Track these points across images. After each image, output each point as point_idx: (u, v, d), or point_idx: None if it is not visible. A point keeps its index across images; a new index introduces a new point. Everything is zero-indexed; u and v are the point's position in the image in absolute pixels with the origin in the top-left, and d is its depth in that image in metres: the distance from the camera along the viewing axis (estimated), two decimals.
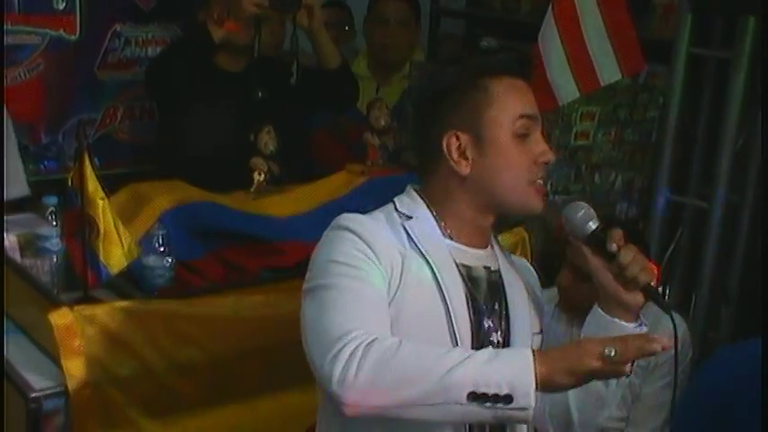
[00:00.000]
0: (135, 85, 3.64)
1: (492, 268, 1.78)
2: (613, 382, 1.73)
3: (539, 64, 3.01)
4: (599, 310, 1.72)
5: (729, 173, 2.85)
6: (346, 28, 4.22)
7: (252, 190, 2.94)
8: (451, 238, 1.75)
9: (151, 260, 2.44)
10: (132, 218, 2.57)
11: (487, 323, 1.74)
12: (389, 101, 3.47)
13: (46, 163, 3.54)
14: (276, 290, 2.43)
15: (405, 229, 1.72)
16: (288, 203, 2.89)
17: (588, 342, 1.52)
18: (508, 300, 1.78)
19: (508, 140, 1.71)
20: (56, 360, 2.12)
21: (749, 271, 2.97)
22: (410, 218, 1.74)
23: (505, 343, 1.75)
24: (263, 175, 2.95)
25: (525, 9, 4.23)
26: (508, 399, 1.46)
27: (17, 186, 3.03)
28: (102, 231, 2.21)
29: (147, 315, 2.19)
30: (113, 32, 3.62)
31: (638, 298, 1.69)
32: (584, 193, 3.41)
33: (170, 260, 2.45)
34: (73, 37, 3.53)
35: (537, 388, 1.46)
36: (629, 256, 1.66)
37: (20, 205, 2.70)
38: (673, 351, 1.57)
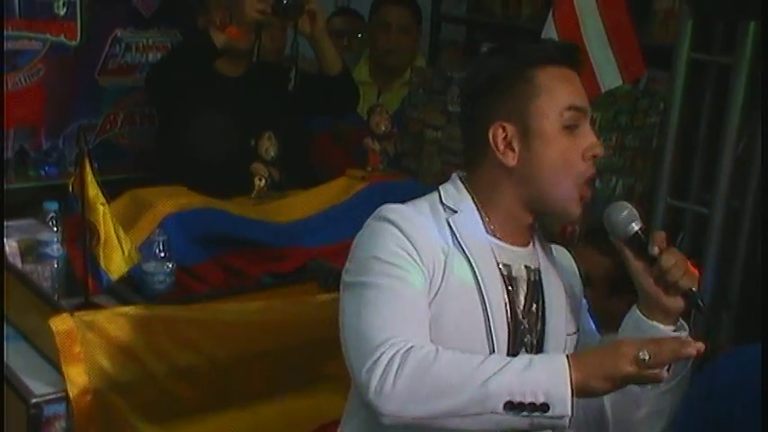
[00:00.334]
0: (135, 90, 3.65)
1: (532, 267, 1.75)
2: None
3: None
4: (638, 312, 1.69)
5: (730, 178, 2.84)
6: (359, 35, 4.21)
7: (252, 195, 2.94)
8: (494, 235, 1.72)
9: (152, 266, 2.44)
10: (133, 223, 2.57)
11: (523, 324, 1.71)
12: (390, 107, 3.48)
13: (46, 168, 3.54)
14: (277, 295, 2.43)
15: (449, 224, 1.69)
16: (289, 209, 2.89)
17: (623, 344, 1.50)
18: (546, 301, 1.75)
19: (555, 132, 1.67)
20: (56, 366, 2.11)
21: (750, 276, 2.96)
22: (455, 212, 1.70)
23: (539, 345, 1.72)
24: (263, 181, 2.95)
25: (526, 15, 4.23)
26: (545, 407, 1.46)
27: None
28: (102, 237, 2.21)
29: (147, 321, 2.19)
30: (114, 38, 3.63)
31: (678, 303, 1.65)
32: None
33: (170, 266, 2.45)
34: (73, 42, 3.54)
35: (573, 395, 1.46)
36: (671, 260, 1.62)
37: (21, 211, 2.70)
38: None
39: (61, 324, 2.09)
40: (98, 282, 2.25)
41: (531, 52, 1.72)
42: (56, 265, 2.42)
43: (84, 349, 2.11)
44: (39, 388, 2.11)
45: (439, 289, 1.63)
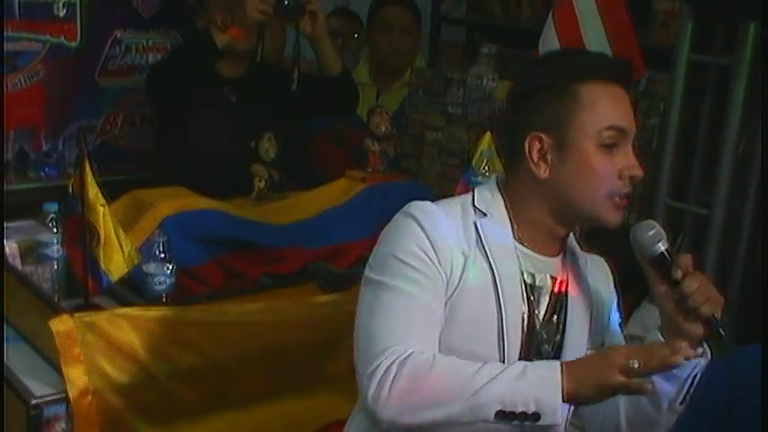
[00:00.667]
0: (135, 91, 3.65)
1: (559, 278, 1.73)
2: (664, 405, 1.66)
3: None
4: (658, 334, 1.66)
5: (730, 179, 2.84)
6: (356, 36, 4.22)
7: (253, 197, 2.94)
8: (522, 242, 1.71)
9: (152, 267, 2.44)
10: (133, 224, 2.57)
11: (541, 334, 1.71)
12: (390, 108, 3.48)
13: (46, 170, 3.54)
14: (277, 296, 2.43)
15: (476, 227, 1.68)
16: (289, 210, 2.89)
17: (614, 353, 1.51)
18: (568, 313, 1.73)
19: (592, 150, 1.64)
20: (56, 367, 2.11)
21: (750, 277, 2.96)
22: (485, 215, 1.70)
23: (556, 356, 1.70)
24: (263, 182, 2.95)
25: (526, 16, 4.23)
26: (536, 416, 1.47)
27: None
28: (102, 238, 2.21)
29: (147, 322, 2.19)
30: (114, 39, 3.63)
31: (698, 329, 1.61)
32: None
33: (171, 267, 2.45)
34: (73, 44, 3.54)
35: (564, 402, 1.47)
36: (693, 285, 1.59)
37: (21, 212, 2.70)
38: None
39: (61, 325, 2.09)
40: (98, 283, 2.25)
41: (578, 65, 1.69)
42: (56, 267, 2.42)
43: (85, 350, 2.11)
44: (39, 389, 2.11)
45: (456, 289, 1.64)
